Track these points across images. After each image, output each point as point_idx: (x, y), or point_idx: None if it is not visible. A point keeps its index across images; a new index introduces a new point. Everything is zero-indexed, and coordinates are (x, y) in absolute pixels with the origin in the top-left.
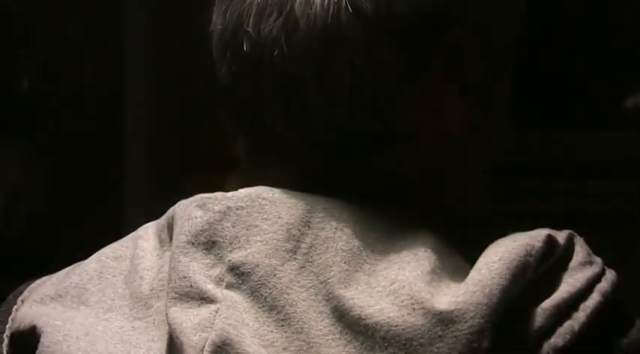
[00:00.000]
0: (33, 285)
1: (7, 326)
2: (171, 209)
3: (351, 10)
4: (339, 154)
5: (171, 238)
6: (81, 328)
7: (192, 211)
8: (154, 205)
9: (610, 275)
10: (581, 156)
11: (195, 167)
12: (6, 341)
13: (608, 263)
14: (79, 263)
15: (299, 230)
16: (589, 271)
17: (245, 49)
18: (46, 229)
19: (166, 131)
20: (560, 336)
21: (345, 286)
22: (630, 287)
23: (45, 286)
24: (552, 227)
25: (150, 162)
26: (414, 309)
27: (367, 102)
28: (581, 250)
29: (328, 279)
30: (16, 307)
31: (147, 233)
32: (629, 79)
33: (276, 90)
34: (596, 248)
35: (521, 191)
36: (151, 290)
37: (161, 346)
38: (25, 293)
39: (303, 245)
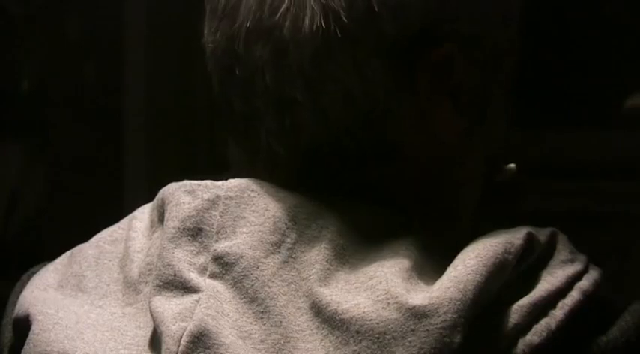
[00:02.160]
0: (43, 269)
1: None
2: (161, 191)
3: (339, 33)
4: (330, 165)
5: (159, 219)
6: (73, 316)
7: (180, 196)
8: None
9: (593, 273)
10: (581, 156)
11: (195, 168)
12: (10, 325)
13: (607, 263)
14: (80, 247)
15: (285, 224)
16: (570, 269)
17: (237, 71)
18: (46, 229)
19: (166, 132)
20: (536, 333)
21: (325, 284)
22: (630, 287)
23: (49, 272)
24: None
25: (150, 163)
26: (388, 303)
27: (358, 117)
28: (563, 247)
29: (309, 276)
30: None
31: (142, 213)
32: (629, 79)
33: (270, 108)
34: (596, 248)
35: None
36: (140, 274)
37: (146, 332)
38: (35, 277)
39: (288, 240)
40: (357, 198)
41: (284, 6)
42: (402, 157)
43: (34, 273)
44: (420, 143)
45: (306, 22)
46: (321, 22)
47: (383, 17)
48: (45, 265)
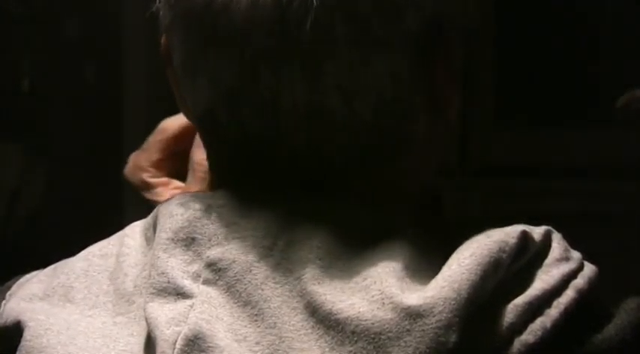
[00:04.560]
0: (22, 280)
1: None
2: (156, 208)
3: (373, 40)
4: (348, 169)
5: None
6: (63, 323)
7: (173, 209)
8: (155, 206)
9: (588, 271)
10: (579, 156)
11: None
12: None
13: (607, 263)
14: (66, 260)
15: (277, 228)
16: (564, 268)
17: (255, 93)
18: (46, 229)
19: None
20: (531, 332)
21: (319, 283)
22: (629, 287)
23: (33, 283)
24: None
25: None
26: (383, 304)
27: (387, 118)
28: (558, 246)
29: (302, 275)
30: (4, 302)
31: (133, 231)
32: (627, 78)
33: (297, 124)
34: (595, 248)
35: (520, 192)
36: (135, 287)
37: (139, 340)
38: (14, 288)
39: (280, 243)
40: (357, 199)
41: (310, 19)
42: (415, 151)
43: (9, 287)
44: (432, 134)
45: (339, 32)
46: (355, 33)
47: (407, 15)
48: (19, 278)
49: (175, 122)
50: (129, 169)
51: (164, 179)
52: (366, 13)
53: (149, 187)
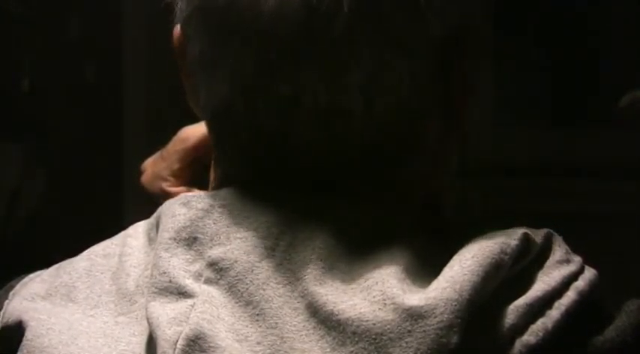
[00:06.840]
0: (25, 279)
1: None
2: (159, 209)
3: (396, 45)
4: (361, 169)
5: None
6: (65, 322)
7: (176, 209)
8: (154, 206)
9: (588, 273)
10: (579, 156)
11: None
12: None
13: (607, 263)
14: (70, 260)
15: (279, 229)
16: (565, 270)
17: (275, 90)
18: (46, 229)
19: (166, 132)
20: (532, 334)
21: (320, 283)
22: (630, 288)
23: (36, 283)
24: (551, 228)
25: None
26: (385, 304)
27: (403, 121)
28: (558, 248)
29: (304, 276)
30: (7, 301)
31: (136, 231)
32: (628, 79)
33: (317, 123)
34: (595, 248)
35: (521, 192)
36: (137, 287)
37: (141, 339)
38: (17, 287)
39: (282, 243)
40: (359, 198)
41: (336, 21)
42: (424, 154)
43: (12, 286)
44: (443, 139)
45: (364, 36)
46: (379, 36)
47: (430, 23)
48: (23, 277)
49: (196, 131)
50: (146, 178)
51: (183, 188)
52: (390, 18)
53: (169, 196)
